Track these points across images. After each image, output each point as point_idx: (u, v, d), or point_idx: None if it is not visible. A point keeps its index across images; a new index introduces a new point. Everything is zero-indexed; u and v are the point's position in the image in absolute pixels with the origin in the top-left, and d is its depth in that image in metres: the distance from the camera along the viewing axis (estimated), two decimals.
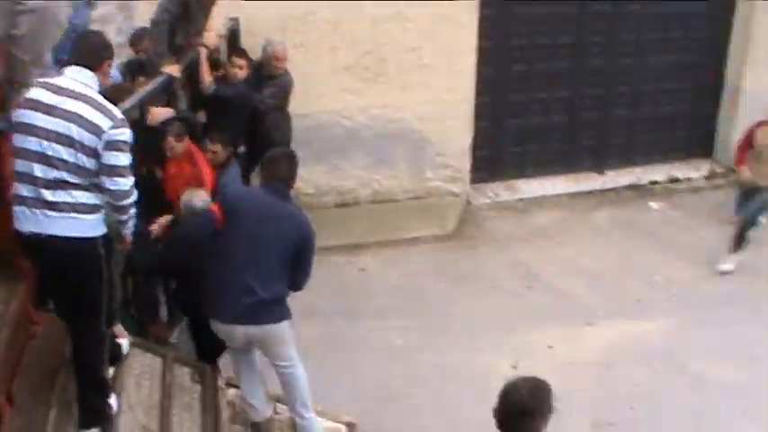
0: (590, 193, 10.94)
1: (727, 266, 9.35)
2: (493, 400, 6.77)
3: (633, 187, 11.15)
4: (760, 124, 9.19)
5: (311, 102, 9.24)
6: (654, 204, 10.86)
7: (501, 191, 10.81)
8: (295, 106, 8.60)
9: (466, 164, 10.33)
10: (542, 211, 10.50)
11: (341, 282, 8.92)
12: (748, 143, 9.31)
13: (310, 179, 9.58)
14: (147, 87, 6.80)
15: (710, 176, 11.55)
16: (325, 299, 8.36)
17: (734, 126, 11.40)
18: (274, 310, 5.57)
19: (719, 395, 7.59)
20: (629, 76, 11.18)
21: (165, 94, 7.11)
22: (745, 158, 9.30)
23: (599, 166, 11.28)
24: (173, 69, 7.08)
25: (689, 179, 11.47)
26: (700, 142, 11.84)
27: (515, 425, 3.89)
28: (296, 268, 5.58)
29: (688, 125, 11.78)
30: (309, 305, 7.44)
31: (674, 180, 11.41)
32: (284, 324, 5.63)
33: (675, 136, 11.70)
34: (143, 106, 6.54)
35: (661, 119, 11.55)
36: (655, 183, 11.31)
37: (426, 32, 9.59)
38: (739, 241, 9.33)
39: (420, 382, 7.51)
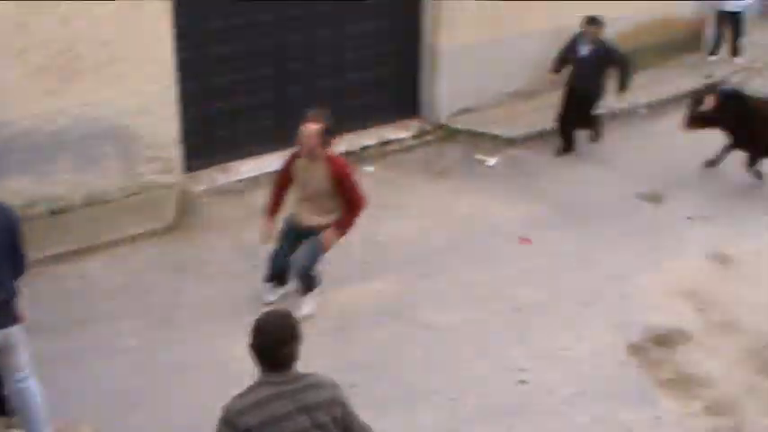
0: None
1: None
2: (234, 384, 7.15)
3: (347, 154, 11.67)
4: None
5: (7, 109, 9.17)
6: (368, 168, 11.52)
7: (217, 175, 11.05)
8: None
9: (177, 153, 10.54)
10: (261, 190, 10.69)
11: (63, 291, 8.88)
12: None
13: (18, 190, 9.49)
14: None
15: (419, 134, 12.41)
16: (48, 312, 8.30)
17: (435, 83, 12.31)
18: (10, 311, 5.65)
19: (452, 339, 8.34)
20: (329, 47, 11.73)
21: None
22: None
23: None
24: None
25: (399, 139, 12.26)
26: (405, 103, 12.66)
27: (273, 354, 4.45)
28: (14, 254, 5.75)
29: (392, 87, 12.54)
30: (33, 321, 7.41)
31: (386, 142, 12.16)
32: (20, 326, 5.72)
33: (382, 99, 12.43)
34: None
35: (366, 84, 12.21)
36: (367, 147, 11.98)
37: (119, 24, 9.69)
38: None
39: (160, 379, 7.66)
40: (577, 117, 11.99)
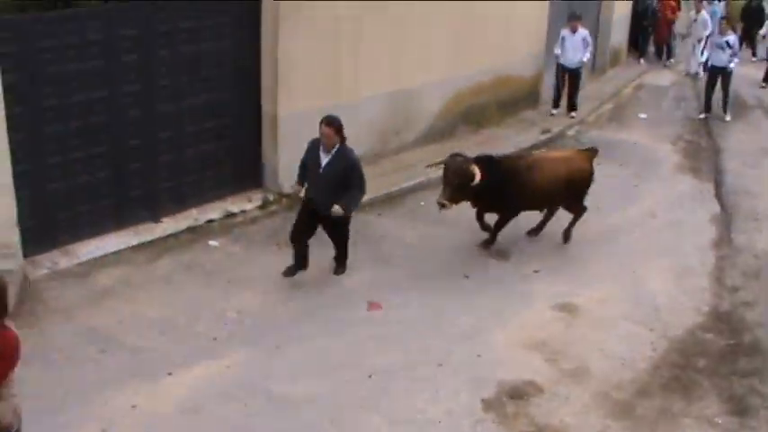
0: (150, 243, 11.22)
1: None
2: None
3: (191, 229, 11.61)
4: None
5: None
6: (213, 242, 11.39)
7: (58, 258, 10.71)
8: None
9: (15, 238, 10.18)
10: (105, 270, 10.58)
11: None
12: None
13: None
14: None
15: (264, 205, 12.40)
16: None
17: (277, 152, 12.34)
18: None
19: (309, 411, 8.26)
20: (169, 121, 11.60)
21: None
22: None
23: (154, 215, 11.61)
24: None
25: (243, 211, 12.21)
26: (248, 174, 12.64)
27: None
28: None
29: (235, 159, 12.49)
30: None
31: (230, 215, 12.08)
32: None
33: (224, 172, 12.36)
34: None
35: (207, 157, 12.13)
36: (212, 221, 11.88)
37: None
38: None
39: None
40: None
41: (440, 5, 13.71)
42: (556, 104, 16.47)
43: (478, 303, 10.15)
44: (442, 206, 10.56)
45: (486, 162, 10.92)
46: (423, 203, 12.75)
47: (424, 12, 13.57)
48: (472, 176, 10.52)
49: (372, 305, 9.74)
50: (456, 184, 10.59)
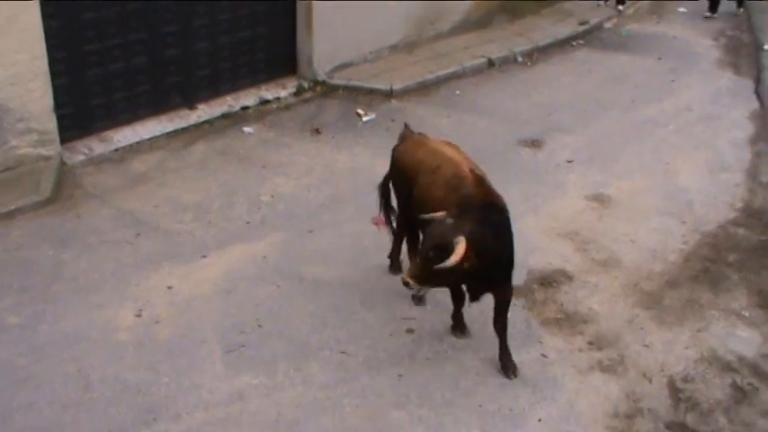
0: (185, 129, 11.31)
1: None
2: (127, 354, 7.13)
3: (226, 116, 11.67)
4: None
5: None
6: (248, 129, 11.45)
7: (94, 145, 10.82)
8: None
9: (52, 124, 10.27)
10: (140, 156, 10.71)
11: None
12: None
13: None
14: None
15: (298, 92, 12.39)
16: None
17: (311, 40, 12.27)
18: None
19: (340, 294, 8.39)
20: (204, 7, 11.52)
21: None
22: None
23: (189, 102, 11.66)
24: None
25: (278, 98, 12.22)
26: (283, 61, 12.59)
27: None
28: None
29: (269, 47, 12.42)
30: None
31: (265, 102, 12.10)
32: None
33: (259, 59, 12.33)
34: None
35: (242, 45, 12.08)
36: (246, 108, 11.90)
37: None
38: None
39: (46, 355, 7.52)
40: None
41: None
42: None
43: (511, 191, 9.98)
44: (406, 285, 6.88)
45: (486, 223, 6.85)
46: (458, 92, 12.66)
47: None
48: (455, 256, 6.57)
49: (377, 219, 9.67)
50: (431, 259, 6.68)
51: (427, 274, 6.75)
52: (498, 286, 7.27)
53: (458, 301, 7.75)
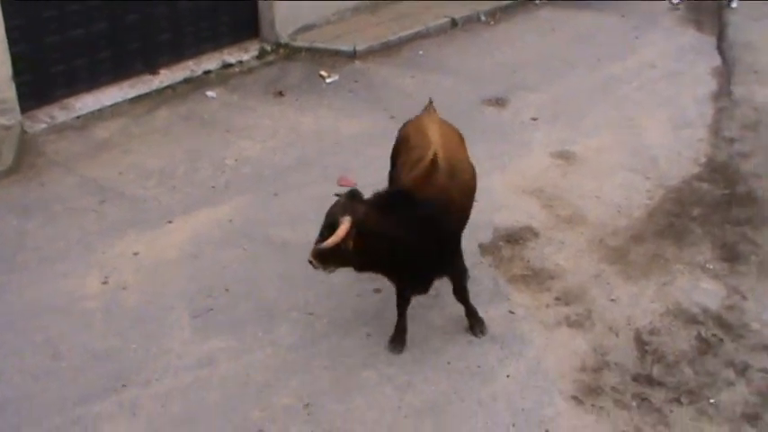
0: (147, 95, 11.25)
1: None
2: (95, 321, 7.10)
3: (188, 81, 11.60)
4: None
5: None
6: (211, 93, 11.40)
7: (56, 113, 10.72)
8: None
9: (11, 93, 10.15)
10: (102, 123, 10.63)
11: None
12: None
13: None
14: None
15: (261, 55, 12.33)
16: None
17: (273, 3, 12.19)
18: None
19: (304, 254, 8.30)
20: None
21: None
22: None
23: (151, 67, 11.58)
24: None
25: (240, 62, 12.16)
26: (245, 24, 12.52)
27: None
28: None
29: (231, 10, 12.37)
30: None
31: (227, 65, 12.05)
32: None
33: (221, 22, 12.29)
34: None
35: (203, 9, 12.02)
36: (209, 72, 11.84)
37: None
38: None
39: (13, 325, 7.49)
40: None
41: None
42: None
43: (476, 149, 9.98)
44: (310, 263, 6.75)
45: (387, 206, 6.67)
46: (421, 53, 12.64)
47: None
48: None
49: (343, 180, 9.65)
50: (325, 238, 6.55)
51: (324, 253, 6.55)
52: (438, 273, 7.13)
53: (398, 297, 7.29)
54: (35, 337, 7.38)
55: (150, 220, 8.80)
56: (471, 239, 8.50)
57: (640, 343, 7.38)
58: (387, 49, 12.61)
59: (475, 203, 8.84)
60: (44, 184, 9.50)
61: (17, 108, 10.26)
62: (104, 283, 8.00)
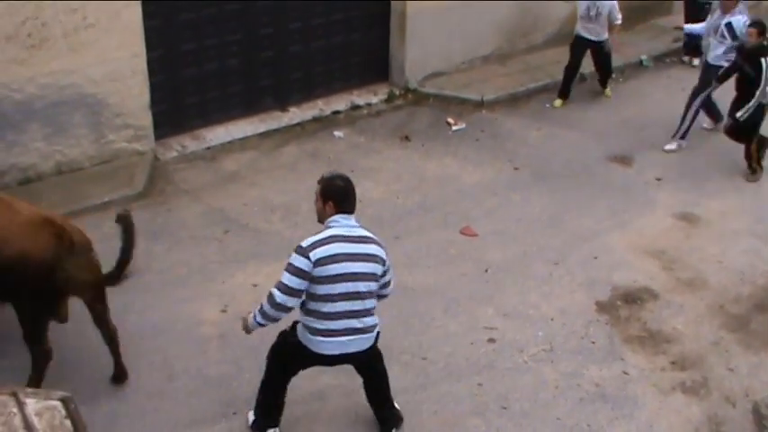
0: (276, 131, 11.46)
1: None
2: (211, 348, 7.21)
3: (317, 119, 11.80)
4: None
5: None
6: (338, 133, 11.55)
7: (187, 142, 11.03)
8: None
9: (147, 120, 10.50)
10: (231, 155, 10.88)
11: None
12: None
13: None
14: None
15: (389, 99, 12.46)
16: None
17: (404, 47, 12.33)
18: None
19: (423, 299, 8.40)
20: (299, 11, 11.66)
21: None
22: None
23: (281, 104, 11.81)
24: None
25: (369, 104, 12.31)
26: (375, 68, 12.67)
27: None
28: None
29: (362, 53, 12.52)
30: None
31: (356, 107, 12.19)
32: None
33: (352, 64, 12.43)
34: None
35: (335, 50, 12.19)
36: (337, 112, 12.01)
37: None
38: None
39: (133, 344, 7.60)
40: None
41: None
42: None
43: (599, 206, 10.06)
44: None
45: None
46: (548, 105, 12.62)
47: None
48: None
49: (466, 229, 9.66)
50: None
51: None
52: None
53: None
54: (153, 357, 7.56)
55: (271, 253, 8.91)
56: (589, 296, 8.45)
57: (758, 416, 7.14)
58: (514, 100, 12.63)
59: (594, 260, 8.84)
60: (171, 210, 9.74)
61: (152, 135, 10.59)
62: (223, 311, 8.15)
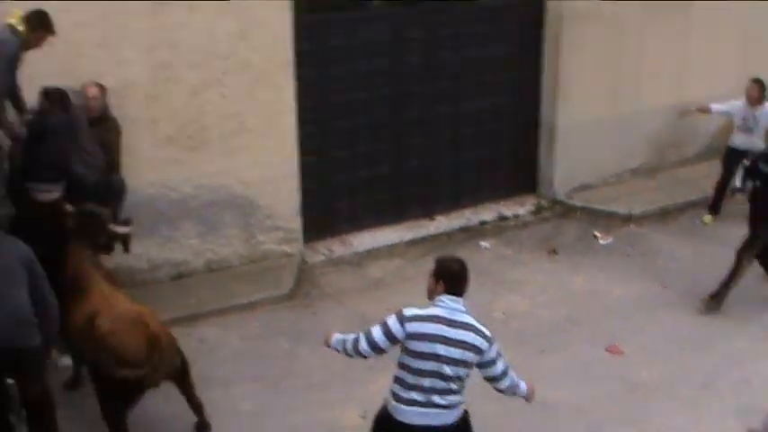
0: (423, 239, 11.52)
1: None
2: None
3: (464, 229, 11.81)
4: None
5: (136, 176, 9.47)
6: (485, 243, 11.53)
7: (335, 247, 11.20)
8: None
9: (297, 224, 10.72)
10: (377, 262, 10.96)
11: None
12: None
13: (142, 254, 9.78)
14: None
15: (537, 211, 12.39)
16: None
17: (553, 160, 12.31)
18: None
19: (565, 417, 8.17)
20: (449, 121, 11.84)
21: None
22: None
23: (428, 213, 11.90)
24: None
25: (516, 215, 12.25)
26: (523, 179, 12.66)
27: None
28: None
29: (510, 164, 12.57)
30: None
31: (503, 218, 12.15)
32: None
33: (499, 175, 12.47)
34: None
35: (484, 160, 12.28)
36: (484, 223, 12.00)
37: (245, 97, 9.99)
38: None
39: None
40: None
41: (727, 17, 13.17)
42: None
43: (752, 328, 9.68)
44: None
45: None
46: (698, 222, 12.33)
47: (711, 23, 13.10)
48: None
49: (612, 347, 9.43)
50: None
51: None
52: None
53: None
54: None
55: None
56: (741, 423, 8.06)
57: None
58: (663, 215, 12.39)
59: (748, 385, 8.47)
60: (317, 313, 9.84)
61: (301, 238, 10.80)
62: (363, 417, 8.07)
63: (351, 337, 6.26)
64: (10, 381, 6.89)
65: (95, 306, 7.12)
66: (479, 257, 11.17)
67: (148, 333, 6.98)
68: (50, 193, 8.23)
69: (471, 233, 11.74)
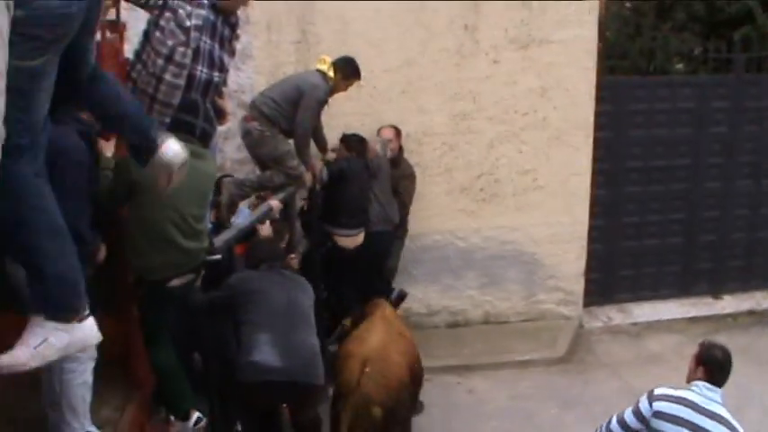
0: (707, 317, 11.07)
1: None
2: None
3: (752, 313, 11.26)
4: None
5: (425, 222, 9.72)
6: None
7: (614, 314, 11.00)
8: (411, 225, 9.34)
9: (579, 287, 10.62)
10: (657, 335, 10.64)
11: (450, 402, 9.08)
12: None
13: (423, 298, 10.01)
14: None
15: None
16: (434, 419, 8.56)
17: None
18: None
19: None
20: (746, 198, 11.41)
21: None
22: None
23: (715, 291, 11.45)
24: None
25: None
26: None
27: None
28: None
29: None
30: (420, 424, 7.78)
31: None
32: None
33: None
34: None
35: None
36: None
37: (541, 154, 10.04)
38: None
39: None
40: None
41: None
42: None
43: None
44: None
45: None
46: None
47: None
48: None
49: None
50: None
51: None
52: None
53: None
54: None
55: None
56: None
57: None
58: None
59: None
60: (588, 381, 9.65)
61: (580, 302, 10.69)
62: None
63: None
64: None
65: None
66: (765, 344, 10.59)
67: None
68: (354, 237, 8.72)
69: (760, 317, 11.17)
